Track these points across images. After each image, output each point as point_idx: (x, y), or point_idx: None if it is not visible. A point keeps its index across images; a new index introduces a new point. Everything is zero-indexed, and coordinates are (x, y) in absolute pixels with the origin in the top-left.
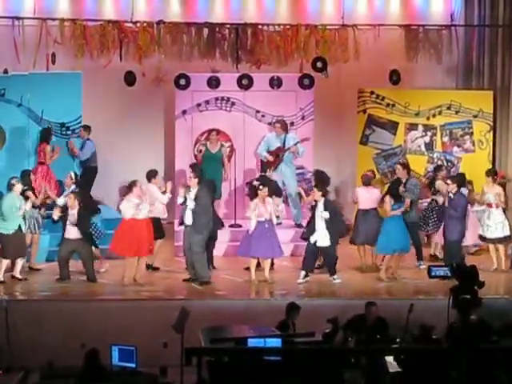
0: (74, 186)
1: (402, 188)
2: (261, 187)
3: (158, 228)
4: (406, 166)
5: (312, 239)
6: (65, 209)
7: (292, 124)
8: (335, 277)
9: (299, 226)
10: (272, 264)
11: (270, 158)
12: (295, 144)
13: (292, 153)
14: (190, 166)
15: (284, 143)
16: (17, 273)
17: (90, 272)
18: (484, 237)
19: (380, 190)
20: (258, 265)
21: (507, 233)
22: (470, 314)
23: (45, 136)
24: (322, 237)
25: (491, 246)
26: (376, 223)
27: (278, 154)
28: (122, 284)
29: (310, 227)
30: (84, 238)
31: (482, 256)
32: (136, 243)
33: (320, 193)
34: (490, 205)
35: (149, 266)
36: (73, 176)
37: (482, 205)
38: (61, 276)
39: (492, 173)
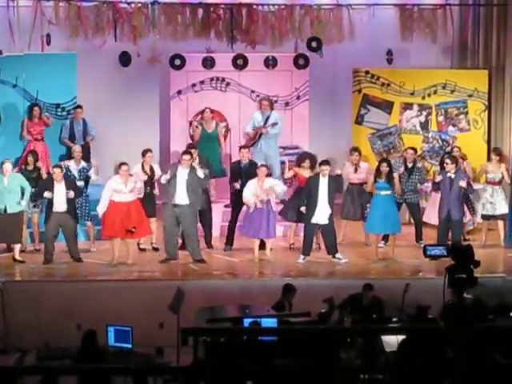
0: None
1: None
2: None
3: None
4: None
5: (314, 220)
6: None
7: (287, 104)
8: (340, 256)
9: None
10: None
11: (251, 135)
12: (272, 124)
13: (266, 132)
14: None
15: (266, 121)
16: (15, 254)
17: (74, 250)
18: (489, 215)
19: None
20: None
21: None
22: (466, 293)
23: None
24: (322, 214)
25: (485, 224)
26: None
27: (257, 132)
28: (111, 265)
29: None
30: (69, 213)
31: (477, 235)
32: (111, 224)
33: (328, 167)
34: (494, 183)
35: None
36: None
37: (482, 183)
38: (46, 258)
39: (499, 151)
